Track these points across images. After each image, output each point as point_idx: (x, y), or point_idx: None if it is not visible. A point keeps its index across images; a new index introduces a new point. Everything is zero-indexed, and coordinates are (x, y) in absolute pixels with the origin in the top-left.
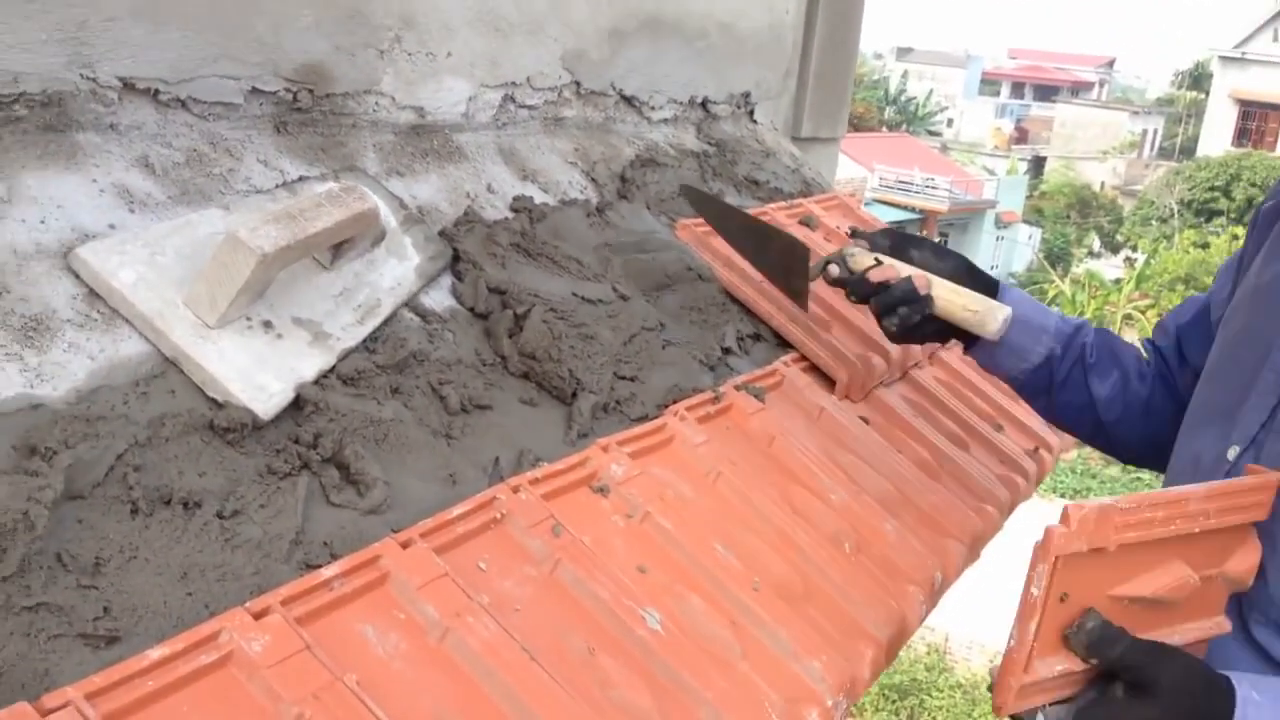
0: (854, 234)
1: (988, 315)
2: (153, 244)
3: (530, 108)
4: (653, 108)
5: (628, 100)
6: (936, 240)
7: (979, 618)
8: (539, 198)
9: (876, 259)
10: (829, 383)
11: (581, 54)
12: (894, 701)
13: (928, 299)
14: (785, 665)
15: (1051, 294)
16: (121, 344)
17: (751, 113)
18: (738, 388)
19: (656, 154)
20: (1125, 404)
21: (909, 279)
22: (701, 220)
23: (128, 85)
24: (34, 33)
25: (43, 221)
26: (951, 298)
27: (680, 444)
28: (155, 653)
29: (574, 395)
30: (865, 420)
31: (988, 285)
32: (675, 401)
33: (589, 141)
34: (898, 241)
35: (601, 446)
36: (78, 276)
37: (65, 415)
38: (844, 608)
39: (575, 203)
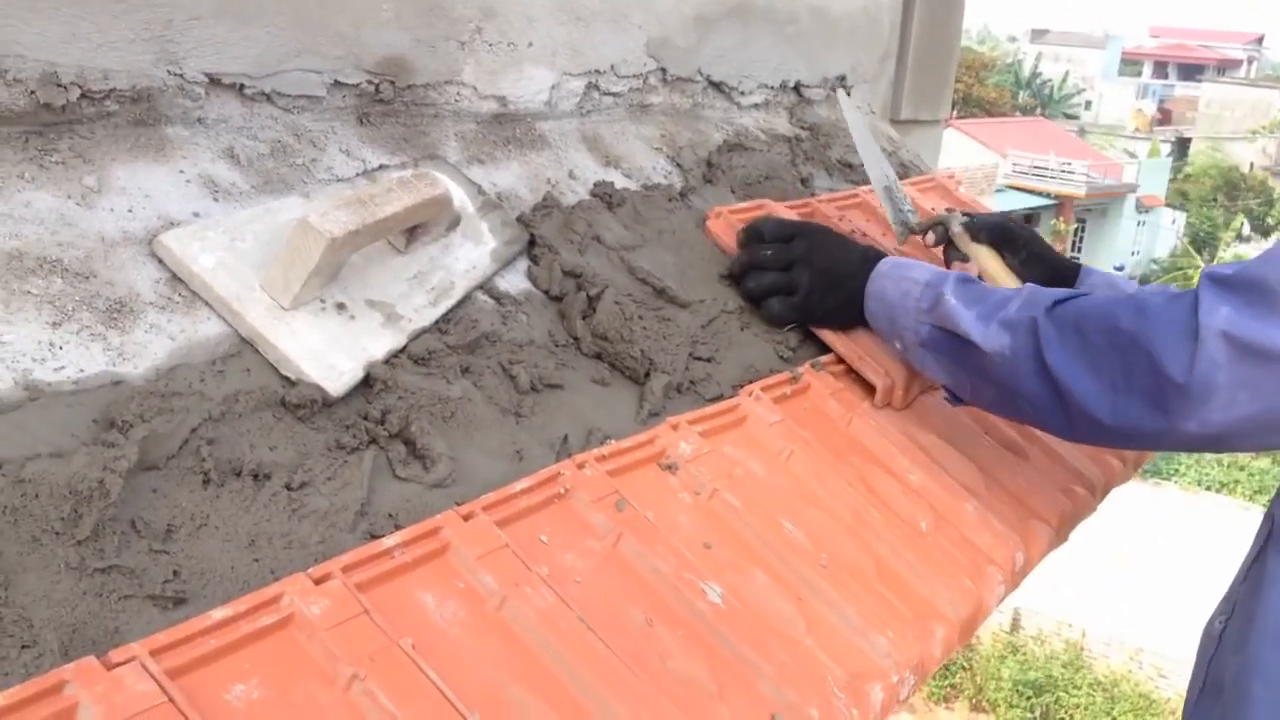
0: (966, 217)
1: None
2: (233, 230)
3: (615, 95)
4: (742, 93)
5: (716, 86)
6: (1073, 225)
7: (1118, 615)
8: (621, 183)
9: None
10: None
11: (666, 41)
12: (1028, 698)
13: None
14: (850, 640)
15: (1196, 279)
16: (200, 325)
17: (848, 96)
18: (816, 367)
19: (745, 139)
20: None
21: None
22: (738, 208)
23: (214, 80)
24: (122, 32)
25: (130, 210)
26: None
27: (753, 423)
28: (218, 613)
29: (647, 375)
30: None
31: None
32: (751, 382)
33: (676, 127)
34: (997, 236)
35: (671, 425)
36: (161, 262)
37: (143, 391)
38: (915, 586)
39: (658, 188)
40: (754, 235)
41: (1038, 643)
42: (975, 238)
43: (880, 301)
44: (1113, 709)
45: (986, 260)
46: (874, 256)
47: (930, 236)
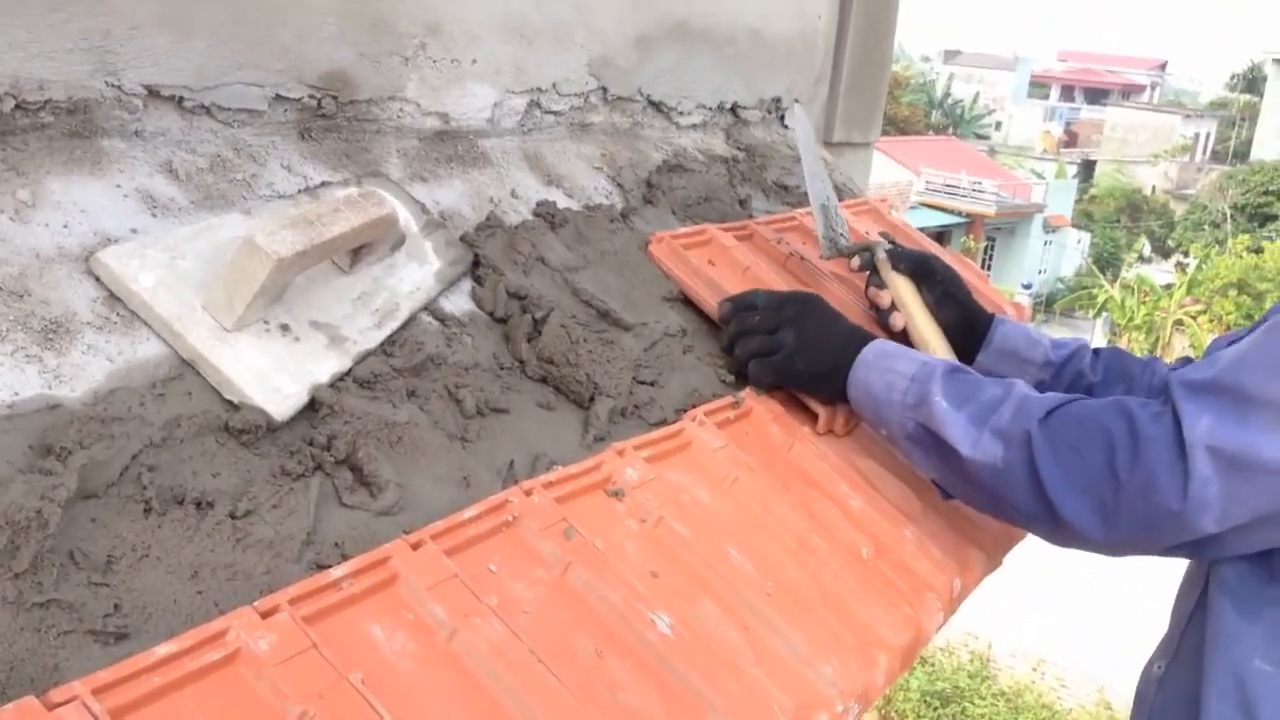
0: (891, 245)
1: None
2: (173, 248)
3: (556, 114)
4: (681, 113)
5: (656, 106)
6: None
7: (1023, 627)
8: (563, 203)
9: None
10: None
11: (608, 60)
12: (935, 709)
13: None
14: (797, 670)
15: (1101, 299)
16: (140, 346)
17: (782, 118)
18: (757, 392)
19: (684, 159)
20: None
21: (888, 312)
22: (681, 233)
23: (152, 92)
24: (59, 41)
25: (65, 226)
26: (920, 342)
27: (698, 448)
28: (162, 649)
29: (591, 399)
30: None
31: (985, 329)
32: (694, 406)
33: (616, 147)
34: (917, 269)
35: (617, 450)
36: (98, 280)
37: (81, 416)
38: (859, 613)
39: (600, 208)
40: (745, 304)
41: (945, 654)
42: (896, 267)
43: (864, 392)
44: (1016, 718)
45: (902, 291)
46: (859, 340)
47: (856, 261)
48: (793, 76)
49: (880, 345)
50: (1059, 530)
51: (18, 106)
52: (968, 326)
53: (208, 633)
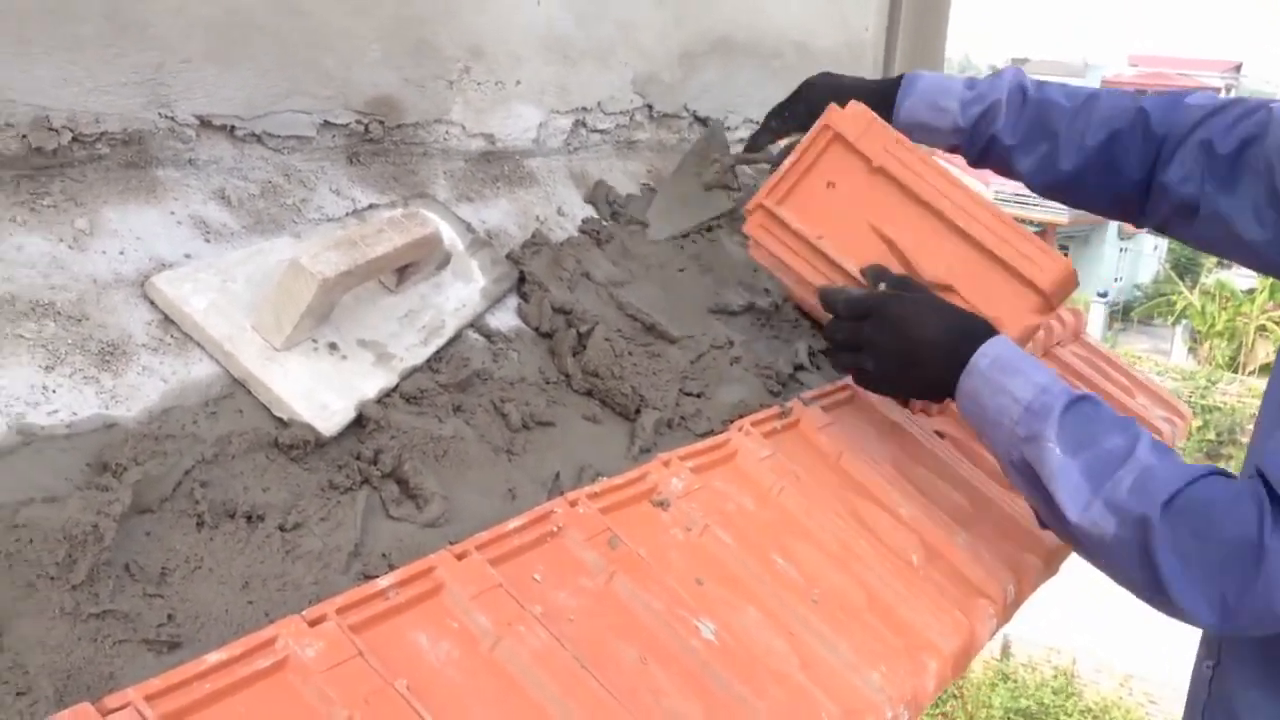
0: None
1: None
2: (224, 272)
3: (602, 132)
4: (729, 128)
5: (702, 121)
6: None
7: (1108, 642)
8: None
9: None
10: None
11: (653, 77)
12: None
13: None
14: (844, 676)
15: (1180, 306)
16: (193, 367)
17: None
18: (806, 402)
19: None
20: (1049, 179)
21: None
22: (773, 236)
23: (204, 122)
24: (113, 76)
25: (122, 253)
26: None
27: (744, 458)
28: (213, 657)
29: (637, 411)
30: (940, 434)
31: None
32: (741, 417)
33: (663, 163)
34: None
35: (663, 461)
36: (153, 304)
37: (136, 434)
38: (908, 620)
39: (646, 224)
40: (828, 305)
41: (1028, 670)
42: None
43: (974, 403)
44: None
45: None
46: (969, 339)
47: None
48: None
49: (996, 350)
50: (1168, 608)
51: (75, 139)
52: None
53: (257, 641)
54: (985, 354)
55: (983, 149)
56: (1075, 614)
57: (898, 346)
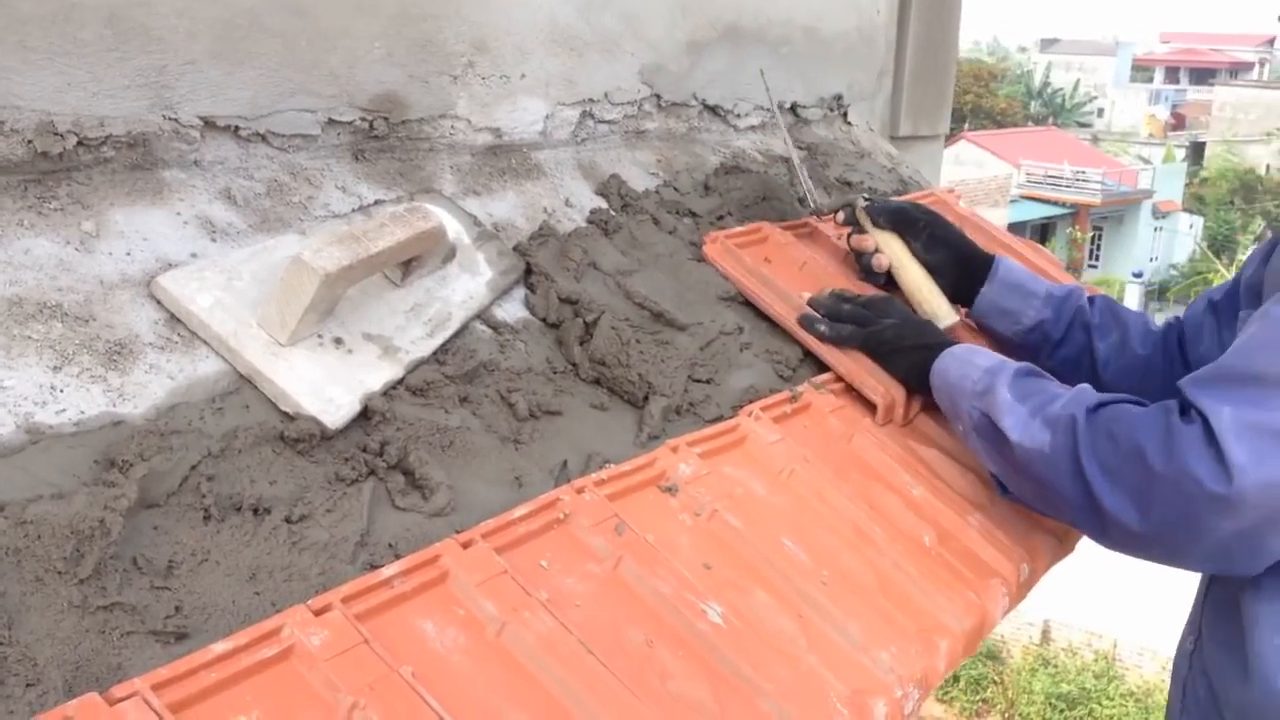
0: (869, 199)
1: (935, 316)
2: (230, 270)
3: (610, 122)
4: (738, 115)
5: (711, 110)
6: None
7: (1149, 625)
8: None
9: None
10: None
11: (660, 67)
12: (1061, 711)
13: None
14: (853, 656)
15: (1217, 283)
16: (199, 364)
17: (845, 114)
18: (817, 387)
19: (743, 160)
20: (1123, 362)
21: (870, 255)
22: (735, 232)
23: (209, 123)
24: (117, 79)
25: (128, 253)
26: (911, 288)
27: (753, 442)
28: (219, 646)
29: (645, 399)
30: None
31: (984, 266)
32: (751, 402)
33: (672, 152)
34: (897, 219)
35: (671, 447)
36: (159, 303)
37: (143, 431)
38: (919, 600)
39: (656, 216)
40: (837, 297)
41: (1069, 655)
42: (876, 223)
43: (943, 379)
44: (1147, 718)
45: (889, 243)
46: (951, 340)
47: (840, 216)
48: (853, 73)
49: (971, 345)
50: (1101, 520)
51: (80, 143)
52: (962, 266)
53: (262, 630)
54: (961, 345)
55: (1069, 323)
56: (1115, 598)
57: (905, 319)
